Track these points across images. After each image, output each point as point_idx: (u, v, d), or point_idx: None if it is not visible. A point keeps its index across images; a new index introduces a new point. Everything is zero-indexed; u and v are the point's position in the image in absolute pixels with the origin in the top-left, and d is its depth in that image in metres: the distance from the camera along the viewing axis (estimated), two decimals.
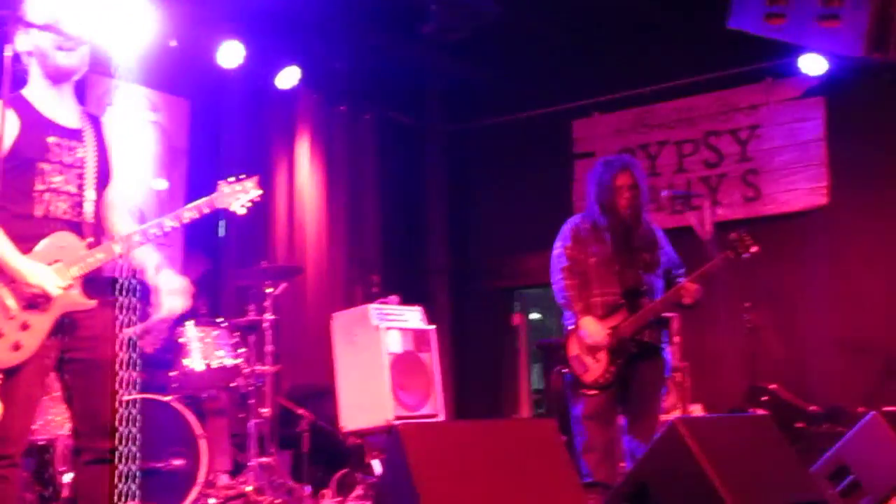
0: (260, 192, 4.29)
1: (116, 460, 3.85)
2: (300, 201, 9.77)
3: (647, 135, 10.00)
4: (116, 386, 3.89)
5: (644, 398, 5.74)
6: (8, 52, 3.51)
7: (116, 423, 3.86)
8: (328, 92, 10.07)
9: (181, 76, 8.79)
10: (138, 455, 3.87)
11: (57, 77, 3.98)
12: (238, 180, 4.25)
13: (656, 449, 4.27)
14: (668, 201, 9.04)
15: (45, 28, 3.84)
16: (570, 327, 5.86)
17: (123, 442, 3.85)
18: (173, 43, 8.17)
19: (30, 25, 3.82)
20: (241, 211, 4.24)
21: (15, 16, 3.68)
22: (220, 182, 4.23)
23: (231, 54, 8.66)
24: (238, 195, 4.22)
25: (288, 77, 9.26)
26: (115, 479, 3.84)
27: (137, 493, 3.90)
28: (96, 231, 3.99)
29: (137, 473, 3.87)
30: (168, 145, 8.88)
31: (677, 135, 9.85)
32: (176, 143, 8.94)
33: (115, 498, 3.84)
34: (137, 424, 3.87)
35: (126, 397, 5.83)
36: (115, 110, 8.28)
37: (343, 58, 9.76)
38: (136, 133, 8.56)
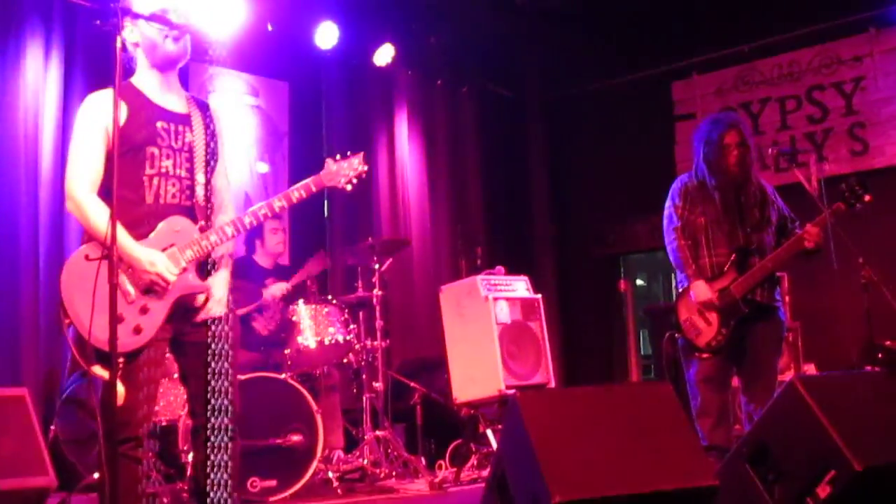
0: (366, 167, 4.32)
1: (209, 433, 3.90)
2: (402, 177, 9.83)
3: (749, 93, 9.84)
4: (227, 366, 3.95)
5: (760, 359, 5.64)
6: (118, 44, 3.57)
7: (209, 395, 3.92)
8: (425, 67, 10.11)
9: (279, 60, 8.91)
10: (231, 428, 3.90)
11: (164, 65, 4.06)
12: (344, 157, 4.29)
13: (775, 409, 4.21)
14: (773, 159, 8.90)
15: (151, 18, 3.92)
16: (680, 290, 5.81)
17: (216, 414, 3.90)
18: (270, 27, 8.28)
19: (137, 16, 3.90)
20: (348, 187, 4.29)
21: (123, 7, 3.76)
22: (327, 160, 4.27)
23: (327, 35, 8.76)
24: (345, 172, 4.26)
25: (384, 54, 9.32)
26: (208, 451, 3.90)
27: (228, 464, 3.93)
28: (208, 214, 4.05)
29: (230, 445, 3.91)
30: (269, 128, 9.00)
31: (780, 91, 9.68)
32: (277, 126, 9.06)
33: (209, 469, 3.90)
34: (230, 397, 3.91)
35: (242, 377, 5.98)
36: (216, 96, 8.43)
37: (438, 32, 9.78)
38: (238, 118, 8.69)
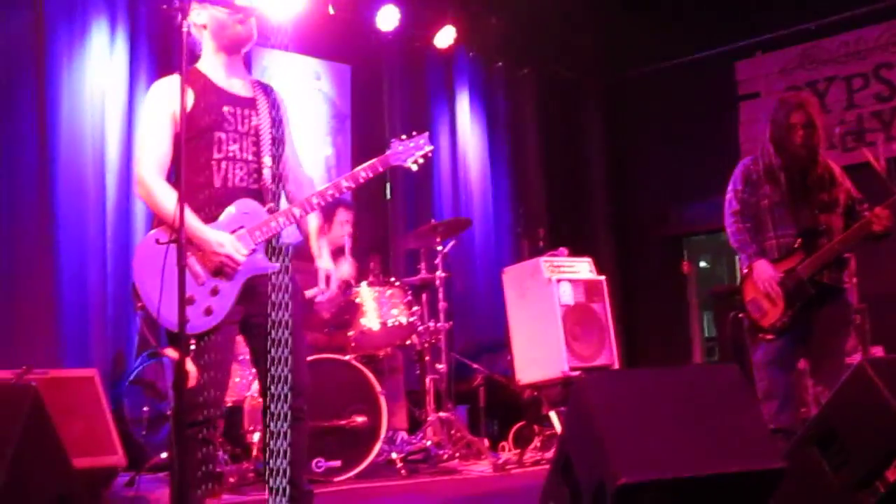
0: (431, 147, 4.34)
1: (269, 420, 3.94)
2: (463, 159, 9.84)
3: (815, 71, 9.71)
4: (290, 346, 3.97)
5: (827, 341, 5.56)
6: (184, 27, 3.61)
7: (269, 382, 3.94)
8: (485, 49, 10.10)
9: (341, 43, 8.95)
10: (288, 398, 3.93)
11: (232, 48, 4.10)
12: (410, 137, 4.31)
13: (843, 392, 4.15)
14: (840, 139, 8.77)
15: (216, 2, 3.96)
16: (745, 271, 5.75)
17: (275, 401, 3.93)
18: (332, 10, 8.31)
19: (203, 0, 3.94)
20: (414, 167, 4.30)
21: None
22: (392, 139, 4.29)
23: (388, 17, 8.79)
24: (411, 151, 4.28)
25: (445, 36, 9.33)
26: (269, 438, 3.94)
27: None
28: (275, 196, 4.09)
29: (288, 414, 3.94)
30: (332, 111, 9.04)
31: (846, 69, 9.54)
32: (339, 109, 9.10)
33: (268, 438, 3.93)
34: (289, 384, 3.93)
35: (309, 358, 6.03)
36: (279, 80, 8.48)
37: (498, 14, 9.76)
38: (301, 101, 8.73)
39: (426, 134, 4.33)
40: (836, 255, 5.53)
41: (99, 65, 7.21)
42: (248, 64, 7.99)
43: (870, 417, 3.90)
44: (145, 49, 7.46)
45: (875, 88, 9.39)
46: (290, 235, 4.18)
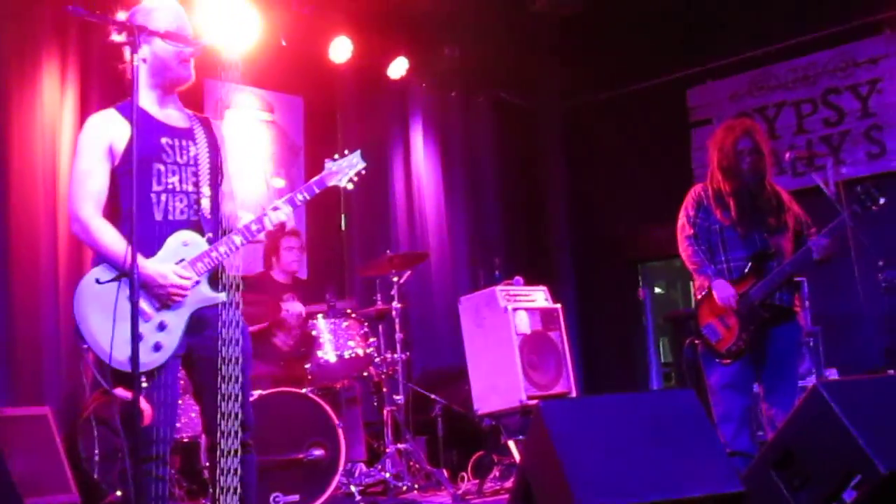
0: (364, 164, 4.32)
1: (219, 457, 3.89)
2: (418, 189, 9.85)
3: (764, 97, 9.83)
4: (235, 385, 3.94)
5: (780, 364, 5.63)
6: (135, 61, 3.59)
7: (220, 418, 3.91)
8: (439, 79, 10.11)
9: (294, 74, 8.92)
10: (238, 434, 3.88)
11: (171, 86, 4.10)
12: (343, 156, 4.30)
13: (799, 414, 4.19)
14: (790, 163, 8.88)
15: (167, 36, 3.94)
16: (700, 296, 5.80)
17: (226, 437, 3.89)
18: (284, 43, 8.30)
19: (153, 34, 3.92)
20: (350, 186, 4.29)
21: (139, 26, 3.78)
22: (326, 160, 4.29)
23: (341, 49, 8.78)
24: (345, 170, 4.27)
25: (398, 67, 9.34)
26: (219, 475, 3.89)
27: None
28: (215, 226, 4.07)
29: (238, 451, 3.89)
30: (285, 143, 9.02)
31: (795, 95, 9.66)
32: (292, 141, 9.08)
33: (218, 474, 3.87)
34: (239, 420, 3.90)
35: (263, 392, 5.98)
36: (232, 113, 8.45)
37: (451, 43, 9.79)
38: (254, 134, 8.71)
39: (358, 152, 4.33)
40: (787, 278, 5.60)
41: (51, 99, 7.14)
42: (200, 97, 7.97)
43: (826, 439, 3.94)
44: (97, 83, 7.41)
45: (824, 114, 9.50)
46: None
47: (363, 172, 4.33)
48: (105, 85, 7.40)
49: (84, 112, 7.31)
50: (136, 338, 3.38)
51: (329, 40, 8.76)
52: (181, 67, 4.04)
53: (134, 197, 3.63)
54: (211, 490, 5.36)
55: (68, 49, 7.31)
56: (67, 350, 6.96)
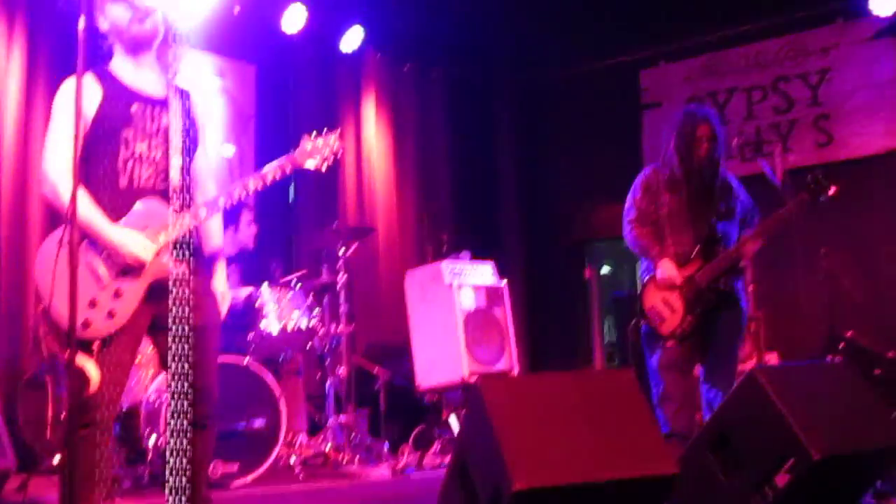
0: (340, 146, 4.21)
1: (170, 417, 3.81)
2: (369, 162, 9.81)
3: (716, 82, 9.89)
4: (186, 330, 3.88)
5: (722, 347, 5.69)
6: (81, 25, 3.53)
7: (170, 361, 3.81)
8: (393, 51, 10.08)
9: (247, 42, 8.86)
10: (189, 413, 3.83)
11: (135, 47, 4.04)
12: (319, 135, 4.19)
13: (736, 398, 4.25)
14: (738, 149, 8.94)
15: (116, 1, 3.90)
16: (646, 278, 5.84)
17: (176, 399, 3.84)
18: (237, 9, 8.22)
19: (103, 1, 3.88)
20: (324, 167, 4.18)
21: None
22: (303, 138, 4.18)
23: (295, 18, 8.71)
24: (321, 150, 4.16)
25: (352, 38, 9.29)
26: (168, 435, 3.84)
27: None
28: (183, 197, 4.01)
29: (188, 429, 3.84)
30: (235, 111, 8.95)
31: (746, 81, 9.73)
32: (243, 109, 9.01)
33: (168, 453, 3.84)
34: (188, 383, 3.85)
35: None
36: (182, 78, 8.35)
37: (407, 16, 9.74)
38: (204, 100, 8.62)
39: (337, 132, 4.21)
40: (731, 264, 5.66)
41: None
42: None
43: (760, 424, 4.00)
44: (45, 50, 7.28)
45: (773, 101, 9.59)
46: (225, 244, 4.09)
47: (339, 155, 4.22)
48: (55, 50, 7.29)
49: (31, 79, 7.21)
50: (74, 303, 3.32)
51: (283, 8, 8.68)
52: (138, 26, 3.99)
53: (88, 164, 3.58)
54: (155, 457, 5.35)
55: (16, 12, 7.19)
56: (7, 315, 6.89)
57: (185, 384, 3.81)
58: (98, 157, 3.79)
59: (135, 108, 3.98)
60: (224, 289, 4.24)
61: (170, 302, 3.79)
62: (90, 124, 3.88)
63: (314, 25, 8.88)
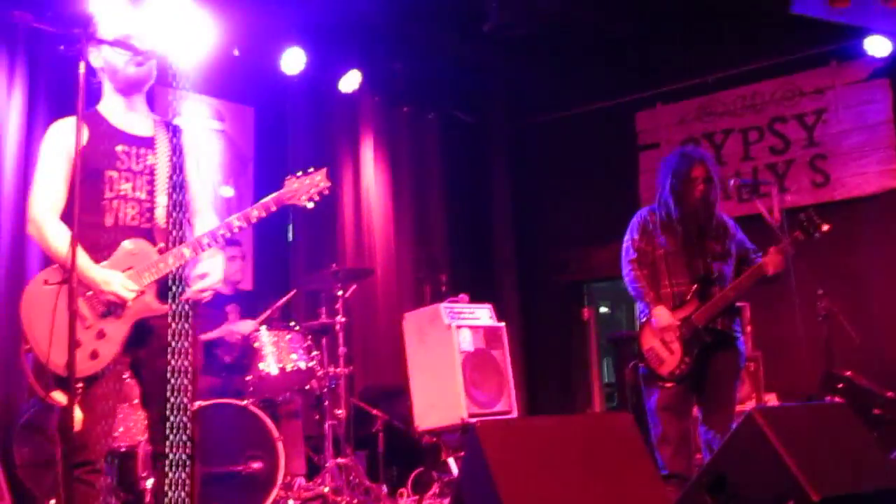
0: (329, 183, 4.14)
1: (167, 468, 3.84)
2: (367, 204, 9.82)
3: (712, 123, 9.92)
4: (184, 395, 3.88)
5: (719, 388, 5.69)
6: (81, 69, 3.57)
7: (168, 430, 3.87)
8: (390, 94, 10.12)
9: (245, 84, 8.90)
10: (188, 462, 3.83)
11: (127, 89, 4.08)
12: (306, 174, 4.13)
13: (734, 439, 4.24)
14: (735, 190, 8.97)
15: (115, 44, 3.93)
16: (643, 320, 5.84)
17: (174, 449, 3.85)
18: (237, 52, 8.27)
19: (101, 42, 3.91)
20: (310, 205, 4.11)
21: (87, 33, 3.76)
22: (288, 176, 4.13)
23: (293, 61, 8.74)
24: (307, 189, 4.10)
25: (350, 81, 9.32)
26: (167, 487, 3.84)
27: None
28: (168, 236, 4.03)
29: (188, 481, 3.83)
30: (234, 153, 8.98)
31: (742, 122, 9.77)
32: (242, 151, 9.04)
33: (166, 487, 3.80)
34: (188, 432, 3.85)
35: (202, 403, 5.93)
36: (181, 120, 8.39)
37: (404, 59, 9.80)
38: (203, 142, 8.65)
39: (324, 170, 4.15)
40: (730, 303, 5.67)
41: None
42: (150, 103, 7.92)
43: (759, 465, 3.98)
44: (44, 90, 7.33)
45: (770, 141, 9.62)
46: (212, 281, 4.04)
47: (326, 192, 4.15)
48: (54, 90, 7.34)
49: (31, 118, 7.24)
50: (72, 344, 3.34)
51: (282, 51, 8.73)
52: (132, 69, 4.02)
53: (76, 203, 3.60)
54: (152, 499, 5.33)
55: (16, 53, 7.23)
56: (3, 356, 6.87)
57: (183, 435, 3.82)
58: (83, 197, 3.78)
59: (120, 148, 4.01)
60: (211, 269, 4.05)
61: (169, 348, 3.82)
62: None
63: (312, 68, 8.91)
